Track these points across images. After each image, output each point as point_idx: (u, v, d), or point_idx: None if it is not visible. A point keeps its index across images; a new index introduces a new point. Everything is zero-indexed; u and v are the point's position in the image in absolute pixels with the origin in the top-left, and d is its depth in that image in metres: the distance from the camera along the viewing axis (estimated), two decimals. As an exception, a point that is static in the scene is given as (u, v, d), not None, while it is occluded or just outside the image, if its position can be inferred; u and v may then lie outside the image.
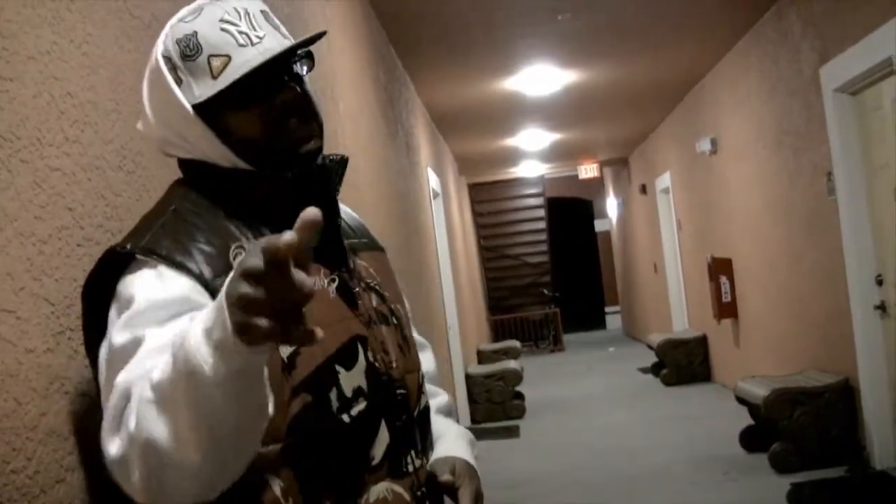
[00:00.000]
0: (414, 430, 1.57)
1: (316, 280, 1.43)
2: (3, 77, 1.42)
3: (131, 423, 1.20)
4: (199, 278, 1.38)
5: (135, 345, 1.30)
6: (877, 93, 5.69)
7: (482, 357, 12.67)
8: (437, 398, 1.80)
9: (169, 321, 1.32)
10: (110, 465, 1.26)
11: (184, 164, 1.53)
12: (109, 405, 1.27)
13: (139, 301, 1.34)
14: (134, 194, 1.85)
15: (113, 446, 1.25)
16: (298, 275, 1.01)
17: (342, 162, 1.54)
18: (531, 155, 14.73)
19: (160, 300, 1.34)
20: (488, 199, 18.56)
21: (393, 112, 6.89)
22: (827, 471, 6.09)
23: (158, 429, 1.17)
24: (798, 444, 6.29)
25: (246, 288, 1.02)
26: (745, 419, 7.20)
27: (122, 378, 1.27)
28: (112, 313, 1.37)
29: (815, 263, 6.80)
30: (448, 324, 9.19)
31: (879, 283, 5.89)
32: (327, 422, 1.41)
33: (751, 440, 7.01)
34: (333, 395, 1.42)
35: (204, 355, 1.11)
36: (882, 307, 5.88)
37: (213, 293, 1.35)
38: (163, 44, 1.45)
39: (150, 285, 1.36)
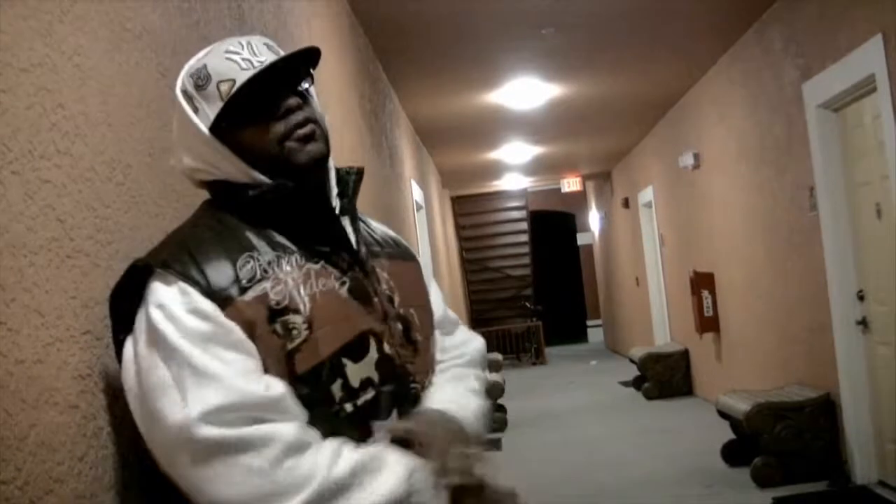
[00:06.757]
0: None
1: (325, 282, 1.61)
2: (-4, 89, 1.42)
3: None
4: (206, 290, 1.54)
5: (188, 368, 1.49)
6: (858, 110, 5.74)
7: (464, 370, 12.63)
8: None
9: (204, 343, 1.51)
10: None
11: (210, 186, 1.71)
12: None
13: (172, 331, 1.51)
14: (123, 206, 1.85)
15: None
16: None
17: (358, 173, 1.78)
18: (514, 168, 14.77)
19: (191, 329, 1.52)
20: (471, 211, 18.60)
21: (377, 124, 6.90)
22: (808, 485, 6.12)
23: None
24: (779, 458, 6.31)
25: None
26: (727, 433, 7.22)
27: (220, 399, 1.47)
28: (141, 317, 1.55)
29: (796, 279, 6.84)
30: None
31: (861, 298, 5.93)
32: (325, 413, 1.54)
33: (733, 454, 7.03)
34: (337, 386, 1.55)
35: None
36: (863, 322, 5.92)
37: (216, 300, 1.53)
38: (180, 81, 1.67)
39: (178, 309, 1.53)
